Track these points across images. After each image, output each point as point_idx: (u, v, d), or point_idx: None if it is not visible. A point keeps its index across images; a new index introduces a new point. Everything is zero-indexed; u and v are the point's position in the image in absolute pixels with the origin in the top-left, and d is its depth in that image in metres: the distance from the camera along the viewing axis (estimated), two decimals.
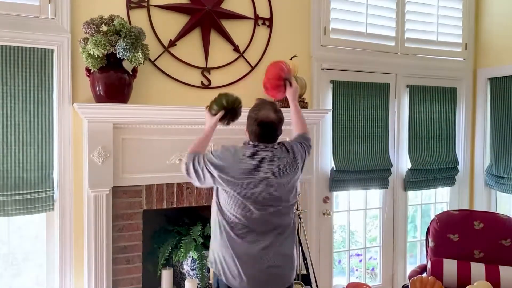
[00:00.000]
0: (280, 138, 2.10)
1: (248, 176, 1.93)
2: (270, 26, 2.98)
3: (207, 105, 2.17)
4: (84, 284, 2.37)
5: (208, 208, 2.87)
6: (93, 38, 2.19)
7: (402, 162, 3.55)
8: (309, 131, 2.34)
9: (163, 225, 2.83)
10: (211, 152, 2.01)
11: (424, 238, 3.15)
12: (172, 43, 2.68)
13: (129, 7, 2.56)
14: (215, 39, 2.80)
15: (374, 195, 3.57)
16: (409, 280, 2.62)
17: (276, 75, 2.31)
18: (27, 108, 2.31)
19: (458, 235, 2.91)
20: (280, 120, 2.05)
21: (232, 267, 1.93)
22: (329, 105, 3.22)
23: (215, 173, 1.94)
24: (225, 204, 1.97)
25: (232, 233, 1.94)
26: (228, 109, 2.13)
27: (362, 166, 3.28)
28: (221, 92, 2.15)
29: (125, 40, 2.22)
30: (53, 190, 2.39)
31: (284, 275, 2.03)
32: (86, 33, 2.25)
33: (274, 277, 1.98)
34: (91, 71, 2.32)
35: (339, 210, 3.43)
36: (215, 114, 2.11)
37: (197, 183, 2.02)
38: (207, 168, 1.95)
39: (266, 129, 2.00)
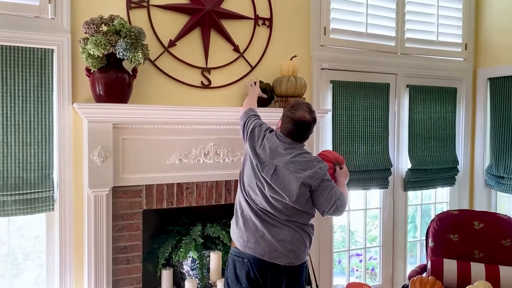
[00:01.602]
0: None
1: (264, 154, 2.13)
2: (270, 26, 2.98)
3: (254, 81, 2.74)
4: (84, 284, 2.37)
5: (209, 208, 2.89)
6: (93, 38, 2.19)
7: (402, 162, 3.55)
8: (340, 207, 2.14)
9: (163, 225, 2.83)
10: (254, 121, 2.26)
11: (424, 238, 3.15)
12: (172, 43, 2.68)
13: (129, 7, 2.56)
14: (215, 39, 2.80)
15: (374, 195, 3.57)
16: (409, 280, 2.62)
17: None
18: (27, 108, 2.31)
19: (458, 235, 2.91)
20: (314, 120, 2.16)
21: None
22: (329, 105, 3.22)
23: (248, 137, 2.21)
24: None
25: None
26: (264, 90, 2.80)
27: (362, 166, 3.28)
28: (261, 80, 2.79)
29: (125, 40, 2.22)
30: (53, 190, 2.39)
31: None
32: (86, 33, 2.26)
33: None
34: (91, 71, 2.32)
35: None
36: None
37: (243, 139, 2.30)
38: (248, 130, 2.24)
39: (300, 129, 2.12)
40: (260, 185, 2.08)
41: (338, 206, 2.08)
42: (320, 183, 2.08)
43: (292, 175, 2.05)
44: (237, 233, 2.15)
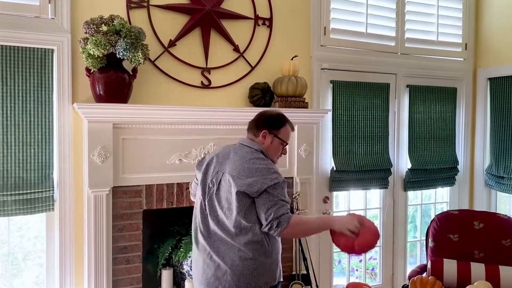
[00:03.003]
0: None
1: None
2: (270, 26, 2.98)
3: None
4: (84, 284, 2.37)
5: None
6: (93, 38, 2.19)
7: (402, 162, 3.55)
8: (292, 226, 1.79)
9: (163, 225, 2.82)
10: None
11: (424, 238, 3.14)
12: (172, 43, 2.68)
13: (129, 7, 2.56)
14: (215, 39, 2.80)
15: (374, 195, 3.57)
16: (409, 280, 2.62)
17: (369, 243, 1.93)
18: (27, 108, 2.31)
19: (458, 235, 2.91)
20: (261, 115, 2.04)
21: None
22: (329, 105, 3.22)
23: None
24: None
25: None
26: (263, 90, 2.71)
27: (362, 166, 3.28)
28: None
29: (125, 40, 2.22)
30: (53, 190, 2.39)
31: None
32: (86, 33, 2.25)
33: None
34: (91, 71, 2.32)
35: (339, 210, 3.43)
36: None
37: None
38: None
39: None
40: None
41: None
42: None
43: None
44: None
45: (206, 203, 1.88)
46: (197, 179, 2.04)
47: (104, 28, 2.29)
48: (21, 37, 2.29)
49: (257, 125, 1.98)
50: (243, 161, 1.83)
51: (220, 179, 1.86)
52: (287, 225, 1.73)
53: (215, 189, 1.86)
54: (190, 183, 2.22)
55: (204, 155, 2.59)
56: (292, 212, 2.83)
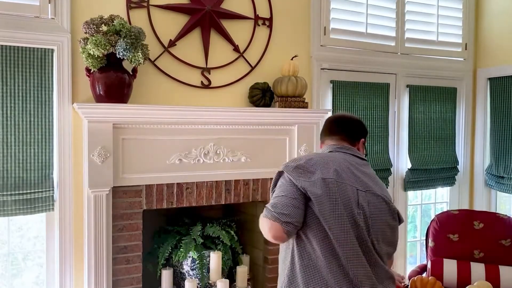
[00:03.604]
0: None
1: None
2: (270, 26, 2.98)
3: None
4: (84, 284, 2.37)
5: (208, 207, 2.89)
6: (93, 38, 2.19)
7: (402, 162, 3.55)
8: None
9: (163, 225, 2.83)
10: None
11: (424, 238, 3.15)
12: (172, 43, 2.68)
13: (129, 7, 2.56)
14: (215, 39, 2.80)
15: None
16: (409, 280, 2.62)
17: None
18: (27, 108, 2.31)
19: (458, 235, 2.91)
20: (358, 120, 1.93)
21: None
22: (329, 105, 3.22)
23: None
24: None
25: None
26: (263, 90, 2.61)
27: None
28: None
29: (125, 40, 2.22)
30: (53, 190, 2.39)
31: None
32: (86, 33, 2.25)
33: None
34: (91, 71, 2.31)
35: None
36: None
37: None
38: None
39: (342, 123, 1.90)
40: None
41: None
42: None
43: None
44: None
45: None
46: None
47: (104, 28, 2.29)
48: (21, 37, 2.29)
49: (360, 132, 1.86)
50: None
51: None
52: None
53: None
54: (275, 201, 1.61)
55: (204, 155, 2.59)
56: None
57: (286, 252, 1.68)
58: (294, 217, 1.54)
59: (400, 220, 1.78)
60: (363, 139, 1.87)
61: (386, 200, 1.70)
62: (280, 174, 1.67)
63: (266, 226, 1.55)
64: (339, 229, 1.56)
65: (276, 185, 1.67)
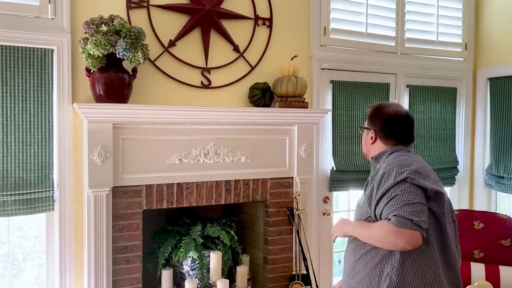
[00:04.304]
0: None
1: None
2: (270, 26, 2.98)
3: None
4: (84, 284, 2.37)
5: (208, 207, 2.89)
6: (93, 38, 2.19)
7: None
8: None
9: (163, 225, 2.83)
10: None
11: None
12: (172, 43, 2.68)
13: (129, 7, 2.56)
14: (215, 39, 2.80)
15: None
16: None
17: None
18: (27, 108, 2.31)
19: None
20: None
21: None
22: (329, 105, 3.22)
23: None
24: None
25: None
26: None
27: (362, 166, 3.27)
28: None
29: (125, 40, 2.22)
30: (53, 190, 2.39)
31: None
32: (86, 33, 2.25)
33: None
34: (91, 71, 2.31)
35: (339, 210, 3.43)
36: None
37: None
38: None
39: (410, 124, 1.92)
40: None
41: None
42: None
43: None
44: None
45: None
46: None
47: (104, 28, 2.29)
48: (21, 37, 2.29)
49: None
50: None
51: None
52: None
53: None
54: (419, 210, 1.64)
55: (204, 155, 2.59)
56: (292, 213, 2.84)
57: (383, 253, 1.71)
58: (427, 222, 1.65)
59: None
60: None
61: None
62: (397, 183, 1.68)
63: (405, 237, 1.59)
64: (448, 226, 1.75)
65: (387, 194, 1.68)
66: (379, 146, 1.92)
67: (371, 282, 1.72)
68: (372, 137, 1.94)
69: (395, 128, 1.89)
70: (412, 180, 1.66)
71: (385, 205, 1.66)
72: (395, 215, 1.61)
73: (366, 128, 1.98)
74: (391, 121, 1.89)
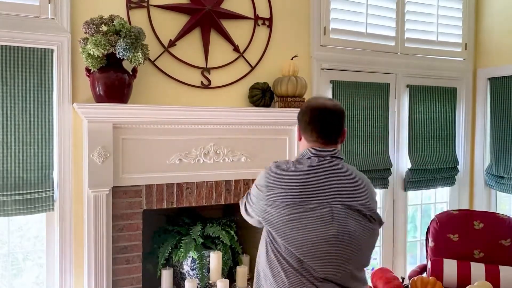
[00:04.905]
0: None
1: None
2: (270, 26, 2.98)
3: None
4: (84, 284, 2.37)
5: (208, 207, 2.89)
6: (93, 38, 2.19)
7: (402, 162, 3.55)
8: None
9: (163, 225, 2.83)
10: None
11: (424, 238, 3.15)
12: (172, 43, 2.68)
13: (129, 7, 2.56)
14: (215, 39, 2.80)
15: None
16: (409, 280, 2.62)
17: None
18: (27, 108, 2.31)
19: (458, 235, 2.91)
20: (339, 109, 1.69)
21: None
22: None
23: None
24: None
25: None
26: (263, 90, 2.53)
27: (362, 166, 3.27)
28: None
29: (125, 40, 2.22)
30: (53, 190, 2.39)
31: None
32: (86, 33, 2.25)
33: None
34: (91, 71, 2.32)
35: None
36: None
37: None
38: None
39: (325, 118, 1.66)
40: None
41: None
42: None
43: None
44: None
45: None
46: None
47: (104, 28, 2.29)
48: (21, 37, 2.29)
49: (342, 124, 1.68)
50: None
51: None
52: None
53: None
54: None
55: (204, 155, 2.59)
56: None
57: None
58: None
59: None
60: (344, 128, 1.72)
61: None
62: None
63: None
64: None
65: None
66: (303, 145, 1.72)
67: None
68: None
69: (304, 116, 1.68)
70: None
71: None
72: None
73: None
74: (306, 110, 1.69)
